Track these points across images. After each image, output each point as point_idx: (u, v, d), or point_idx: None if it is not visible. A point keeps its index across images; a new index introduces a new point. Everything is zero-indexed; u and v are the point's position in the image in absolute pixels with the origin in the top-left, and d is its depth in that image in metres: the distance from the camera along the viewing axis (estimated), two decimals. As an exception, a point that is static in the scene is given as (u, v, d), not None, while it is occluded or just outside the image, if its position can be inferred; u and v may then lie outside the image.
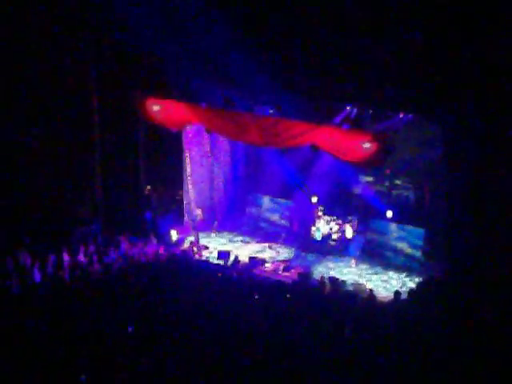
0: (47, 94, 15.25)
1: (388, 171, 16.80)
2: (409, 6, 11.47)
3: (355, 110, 14.08)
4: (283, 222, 18.40)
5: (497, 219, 12.34)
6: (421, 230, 15.69)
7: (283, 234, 17.48)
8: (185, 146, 17.80)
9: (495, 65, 11.50)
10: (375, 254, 16.24)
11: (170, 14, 13.92)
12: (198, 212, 17.65)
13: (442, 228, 14.39)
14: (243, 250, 16.80)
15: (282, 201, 18.56)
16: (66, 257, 12.87)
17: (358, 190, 17.50)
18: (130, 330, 9.35)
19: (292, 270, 15.07)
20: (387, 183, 17.25)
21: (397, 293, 12.64)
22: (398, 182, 17.11)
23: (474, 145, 12.31)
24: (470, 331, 9.68)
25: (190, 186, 18.08)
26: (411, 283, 14.44)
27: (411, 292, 13.01)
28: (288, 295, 11.70)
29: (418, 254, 15.66)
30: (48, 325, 9.47)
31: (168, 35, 14.27)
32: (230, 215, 19.15)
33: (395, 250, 16.05)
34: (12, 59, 14.45)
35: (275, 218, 18.53)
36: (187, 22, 14.10)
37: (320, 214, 16.97)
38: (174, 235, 16.56)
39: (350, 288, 13.73)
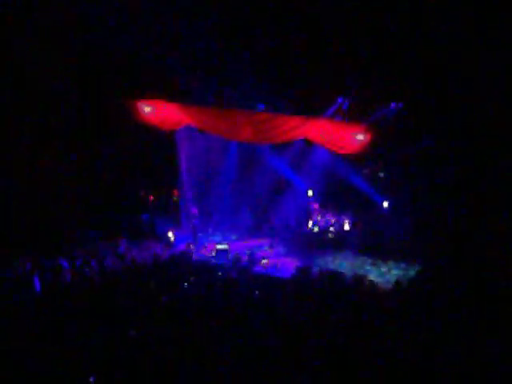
0: (36, 101, 15.17)
1: (382, 162, 16.81)
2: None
3: (347, 102, 14.08)
4: (280, 217, 18.35)
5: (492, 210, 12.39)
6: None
7: (280, 230, 17.44)
8: (178, 146, 17.78)
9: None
10: (373, 246, 16.24)
11: (162, 17, 13.90)
12: (194, 211, 17.62)
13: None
14: (241, 247, 16.79)
15: (278, 196, 18.53)
16: (64, 262, 12.83)
17: (353, 182, 17.50)
18: (131, 334, 9.32)
19: (290, 265, 15.09)
20: (382, 174, 17.25)
21: (397, 282, 12.65)
22: (391, 172, 17.12)
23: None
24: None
25: (185, 186, 18.08)
26: (411, 273, 14.46)
27: (412, 280, 13.03)
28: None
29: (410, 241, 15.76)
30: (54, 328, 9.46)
31: (159, 37, 14.26)
32: (227, 213, 19.12)
33: (392, 241, 16.08)
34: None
35: (272, 213, 18.48)
36: (178, 24, 14.08)
37: (316, 207, 16.96)
38: (171, 236, 16.53)
39: (350, 280, 13.73)
